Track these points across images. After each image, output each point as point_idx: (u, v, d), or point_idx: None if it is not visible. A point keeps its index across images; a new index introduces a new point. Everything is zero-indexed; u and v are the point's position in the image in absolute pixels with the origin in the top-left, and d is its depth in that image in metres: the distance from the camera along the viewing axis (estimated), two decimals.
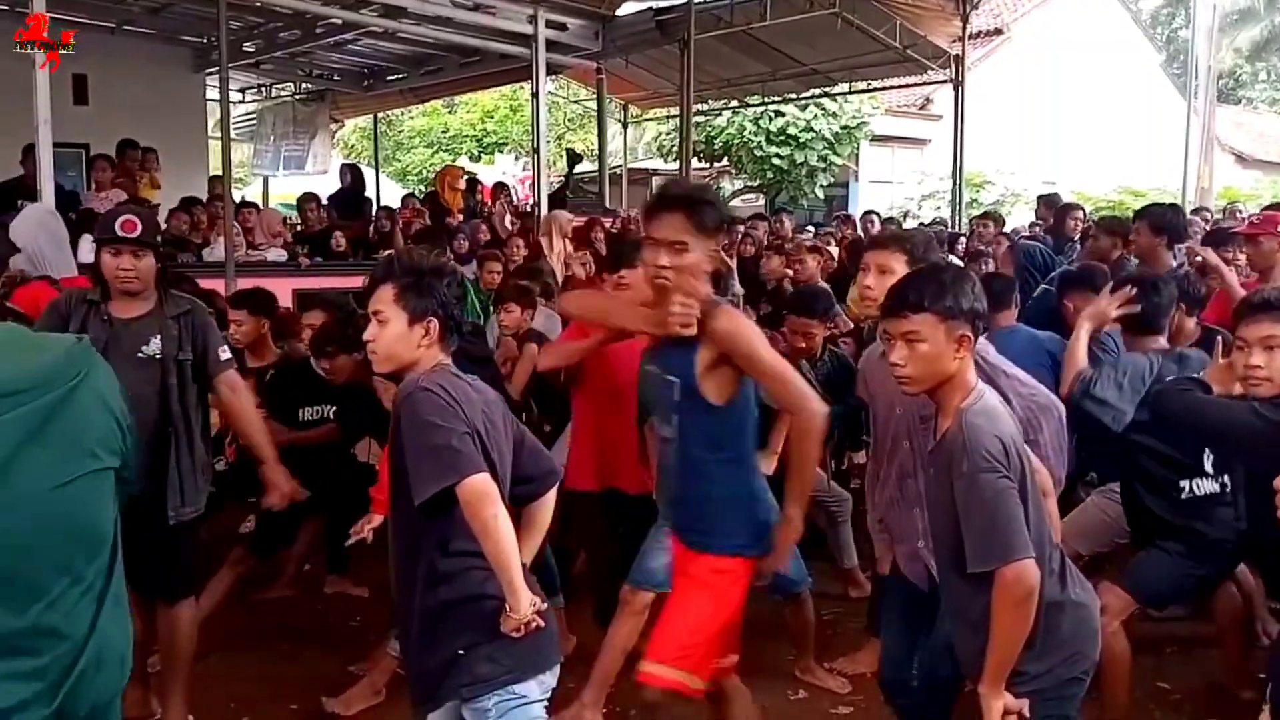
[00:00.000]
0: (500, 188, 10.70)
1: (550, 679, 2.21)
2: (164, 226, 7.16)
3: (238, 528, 4.53)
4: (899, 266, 2.60)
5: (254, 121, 14.56)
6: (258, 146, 14.47)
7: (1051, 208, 8.38)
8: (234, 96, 12.34)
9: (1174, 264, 4.94)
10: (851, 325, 5.43)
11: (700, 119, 15.67)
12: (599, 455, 3.58)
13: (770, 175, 17.14)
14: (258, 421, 3.40)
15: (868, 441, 5.26)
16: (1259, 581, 3.74)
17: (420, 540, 2.14)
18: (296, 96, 13.66)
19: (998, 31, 19.45)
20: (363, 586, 4.58)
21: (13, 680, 1.49)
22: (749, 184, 18.58)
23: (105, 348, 2.78)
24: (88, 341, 1.66)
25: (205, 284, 4.80)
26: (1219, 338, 3.08)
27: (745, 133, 16.77)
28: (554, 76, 12.60)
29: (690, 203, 2.50)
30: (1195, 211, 9.54)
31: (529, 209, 10.26)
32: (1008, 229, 9.26)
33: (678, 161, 12.72)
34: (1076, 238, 7.00)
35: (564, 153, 12.54)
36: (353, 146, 22.64)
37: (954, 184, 11.41)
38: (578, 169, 11.76)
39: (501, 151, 23.12)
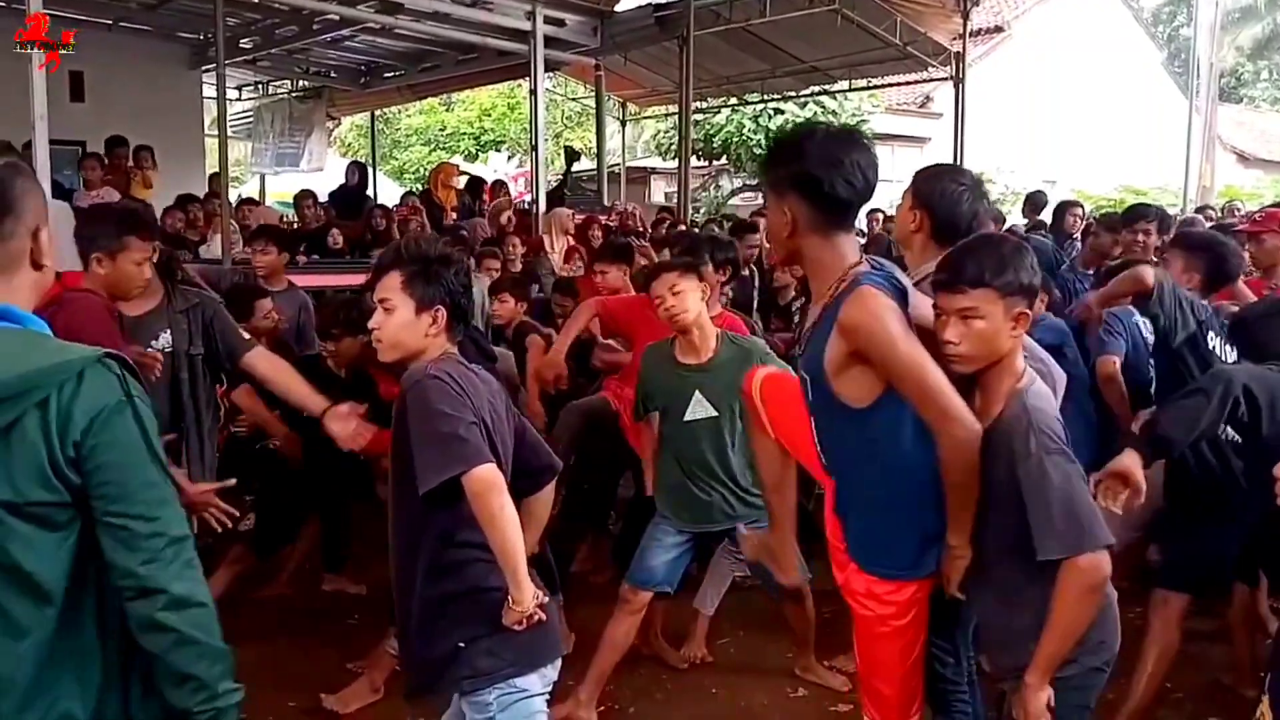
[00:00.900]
0: (500, 185, 10.69)
1: (552, 672, 2.19)
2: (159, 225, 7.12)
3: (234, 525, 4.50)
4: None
5: (251, 119, 14.54)
6: (255, 145, 14.46)
7: (1038, 209, 8.35)
8: (231, 94, 12.30)
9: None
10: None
11: (699, 116, 15.64)
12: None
13: None
14: (297, 377, 3.22)
15: None
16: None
17: (422, 530, 2.12)
18: (293, 94, 13.65)
19: (998, 29, 19.44)
20: (360, 584, 4.56)
21: None
22: (748, 182, 18.57)
23: None
24: (102, 364, 1.37)
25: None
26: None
27: (744, 130, 16.76)
28: (552, 74, 12.60)
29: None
30: (1198, 211, 9.53)
31: (525, 206, 10.24)
32: (1007, 227, 9.22)
33: (677, 159, 12.69)
34: (1076, 235, 6.98)
35: (562, 150, 12.51)
36: (350, 144, 22.61)
37: None
38: (576, 167, 11.74)
39: (498, 150, 23.09)
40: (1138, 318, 4.02)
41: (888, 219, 9.64)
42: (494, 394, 2.17)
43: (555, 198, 9.51)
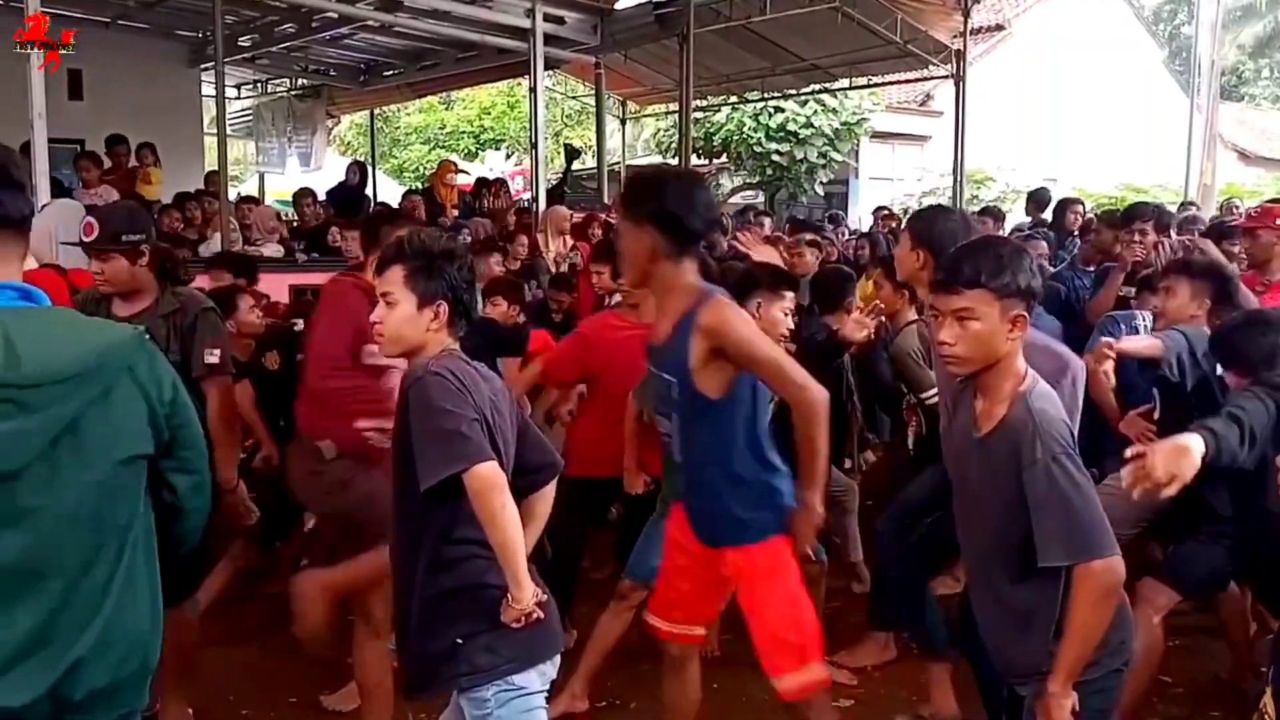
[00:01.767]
0: (500, 184, 10.67)
1: (551, 670, 2.19)
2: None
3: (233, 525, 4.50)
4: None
5: (250, 117, 14.53)
6: (260, 144, 14.46)
7: (1041, 206, 8.37)
8: (230, 92, 12.30)
9: None
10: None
11: (699, 115, 15.60)
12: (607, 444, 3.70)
13: (770, 172, 17.10)
14: (226, 436, 3.22)
15: (874, 440, 5.29)
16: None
17: (423, 527, 2.11)
18: (293, 92, 13.64)
19: (999, 27, 19.38)
20: None
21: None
22: (748, 180, 18.54)
23: None
24: (141, 332, 1.64)
25: (200, 279, 4.79)
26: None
27: (744, 129, 16.72)
28: (552, 72, 12.58)
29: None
30: (1182, 208, 9.51)
31: (524, 204, 10.24)
32: (1008, 226, 9.23)
33: (677, 158, 12.68)
34: (1076, 232, 6.99)
35: (562, 149, 12.51)
36: (349, 143, 22.59)
37: (955, 180, 11.37)
38: (576, 166, 11.74)
39: (498, 148, 23.08)
40: (1138, 320, 4.02)
41: (890, 216, 9.66)
42: (496, 391, 2.16)
43: (555, 196, 9.52)
